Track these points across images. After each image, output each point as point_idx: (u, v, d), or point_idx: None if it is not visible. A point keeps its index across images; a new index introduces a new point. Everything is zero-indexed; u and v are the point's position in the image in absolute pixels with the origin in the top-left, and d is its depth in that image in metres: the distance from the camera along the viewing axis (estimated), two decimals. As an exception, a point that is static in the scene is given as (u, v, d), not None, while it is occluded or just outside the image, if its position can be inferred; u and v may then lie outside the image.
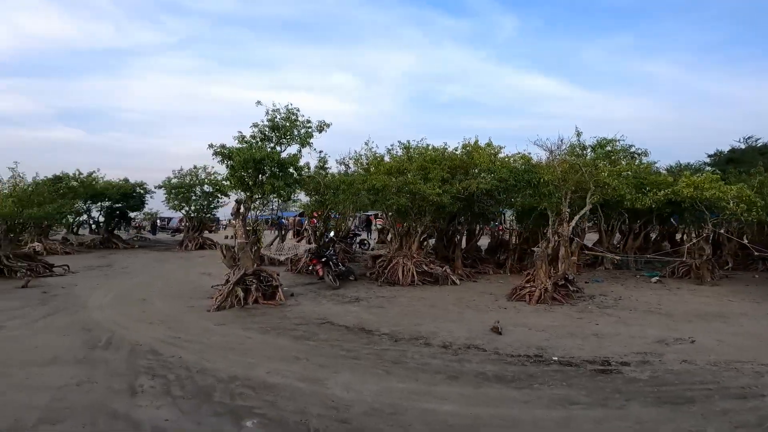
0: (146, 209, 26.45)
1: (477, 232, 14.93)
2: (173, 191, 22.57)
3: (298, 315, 8.51)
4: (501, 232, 16.67)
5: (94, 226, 25.21)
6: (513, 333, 7.22)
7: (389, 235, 13.50)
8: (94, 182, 21.96)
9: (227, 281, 9.31)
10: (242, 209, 9.19)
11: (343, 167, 14.00)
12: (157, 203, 26.46)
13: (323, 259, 11.08)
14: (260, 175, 9.22)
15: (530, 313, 8.64)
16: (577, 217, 10.27)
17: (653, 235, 16.99)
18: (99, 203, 23.51)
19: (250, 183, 9.16)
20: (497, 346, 6.53)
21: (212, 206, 23.90)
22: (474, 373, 5.50)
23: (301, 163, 10.01)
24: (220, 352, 6.22)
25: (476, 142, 13.14)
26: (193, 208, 23.36)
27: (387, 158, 12.99)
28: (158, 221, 35.88)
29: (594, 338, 6.97)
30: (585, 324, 7.84)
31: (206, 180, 23.49)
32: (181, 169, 23.60)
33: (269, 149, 9.53)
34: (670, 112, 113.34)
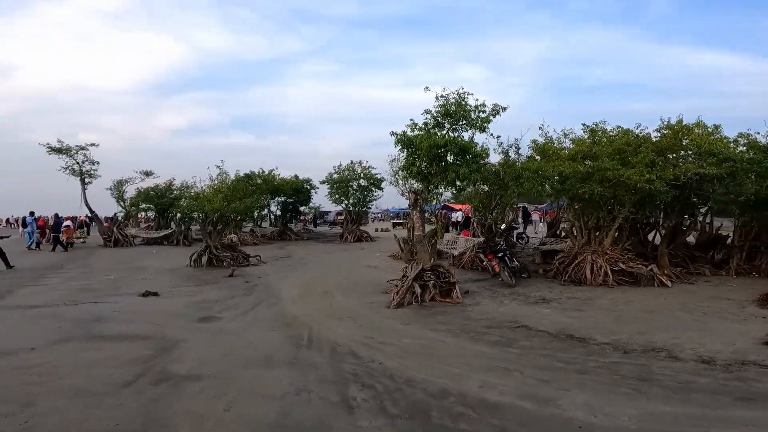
0: (311, 204, 28.84)
1: (689, 225, 12.04)
2: (335, 186, 23.97)
3: (482, 316, 7.62)
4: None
5: (272, 220, 28.49)
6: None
7: (569, 229, 11.66)
8: (272, 179, 24.59)
9: (404, 276, 8.89)
10: (419, 200, 8.61)
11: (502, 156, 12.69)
12: (319, 198, 28.69)
13: (499, 254, 9.95)
14: (439, 163, 8.52)
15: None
16: None
17: None
18: (276, 198, 26.26)
19: (432, 171, 8.53)
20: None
21: (368, 200, 24.73)
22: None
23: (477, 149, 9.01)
24: (417, 358, 5.64)
25: (680, 121, 10.63)
26: (351, 201, 24.48)
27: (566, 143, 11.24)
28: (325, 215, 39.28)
29: None
30: None
31: (361, 174, 24.39)
32: (340, 165, 24.96)
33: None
34: None
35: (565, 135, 11.58)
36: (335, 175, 24.46)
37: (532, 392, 4.46)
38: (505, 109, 9.20)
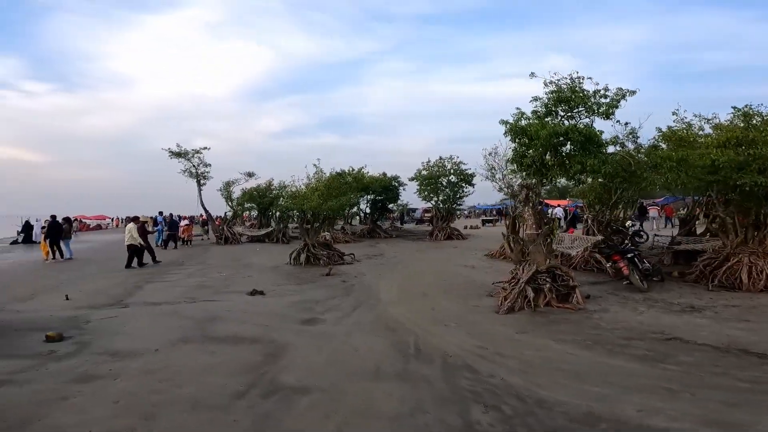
0: (399, 201, 28.56)
1: None
2: (424, 182, 23.36)
3: (615, 325, 6.46)
4: None
5: (362, 217, 28.81)
6: None
7: (719, 226, 9.69)
8: (362, 177, 24.73)
9: (514, 278, 7.95)
10: (531, 195, 7.60)
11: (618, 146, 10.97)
12: (407, 195, 28.34)
13: (628, 255, 8.50)
14: (556, 154, 7.46)
15: None
16: None
17: None
18: (365, 196, 26.41)
19: (549, 163, 7.50)
20: None
21: (458, 196, 23.72)
22: None
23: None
24: (547, 374, 4.78)
25: None
26: (441, 198, 23.68)
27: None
28: (411, 212, 39.02)
29: None
30: None
31: (451, 170, 23.45)
32: (429, 161, 24.28)
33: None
34: None
35: (707, 120, 9.71)
36: (424, 172, 23.84)
37: (719, 418, 3.56)
38: (633, 92, 7.93)
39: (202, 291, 9.29)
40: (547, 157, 7.81)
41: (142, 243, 13.72)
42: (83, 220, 45.38)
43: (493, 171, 15.28)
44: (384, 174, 26.95)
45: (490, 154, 14.80)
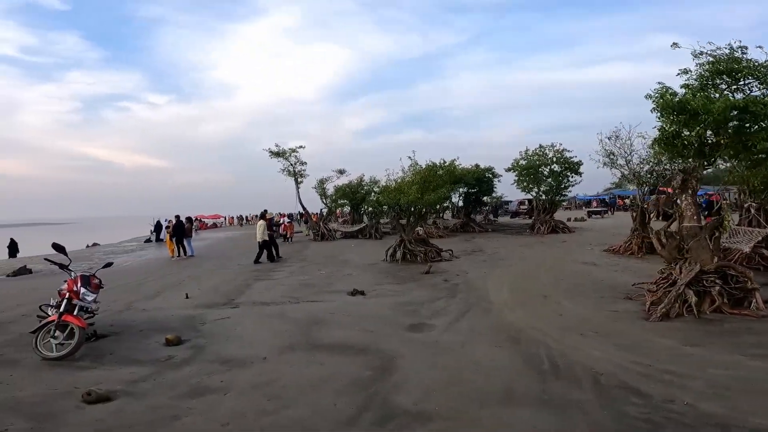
0: (494, 193, 26.77)
1: None
2: (523, 172, 21.48)
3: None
4: None
5: (454, 211, 27.62)
6: None
7: None
8: (454, 169, 23.58)
9: (665, 279, 6.41)
10: (692, 182, 5.98)
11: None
12: (502, 187, 26.48)
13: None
14: (725, 133, 5.83)
15: None
16: None
17: None
18: (458, 189, 25.19)
19: (721, 141, 5.88)
20: None
21: (562, 186, 21.41)
22: None
23: None
24: (753, 399, 3.55)
25: None
26: (542, 189, 21.59)
27: None
28: (504, 205, 36.78)
29: None
30: None
31: (554, 158, 21.23)
32: (527, 150, 22.29)
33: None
34: None
35: None
36: (522, 161, 21.92)
37: None
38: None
39: (304, 290, 9.13)
40: (709, 134, 6.13)
41: (268, 239, 14.32)
42: (202, 219, 50.59)
43: (613, 157, 13.22)
44: (477, 166, 25.43)
45: (609, 138, 12.78)
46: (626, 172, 13.30)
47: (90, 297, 5.58)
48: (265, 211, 16.41)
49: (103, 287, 6.66)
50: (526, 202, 38.07)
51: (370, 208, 25.53)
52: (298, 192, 23.73)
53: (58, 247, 6.05)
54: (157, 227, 28.60)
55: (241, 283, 10.16)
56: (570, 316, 6.65)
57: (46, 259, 5.97)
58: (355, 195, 24.94)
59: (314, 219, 25.64)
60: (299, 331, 6.15)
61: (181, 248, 17.21)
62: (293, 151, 22.89)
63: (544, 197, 21.80)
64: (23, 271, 14.01)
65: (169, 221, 17.66)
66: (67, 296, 5.40)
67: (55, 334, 5.18)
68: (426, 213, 13.66)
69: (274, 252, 14.79)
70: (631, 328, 5.90)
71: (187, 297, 8.63)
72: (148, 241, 28.41)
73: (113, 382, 4.34)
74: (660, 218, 16.65)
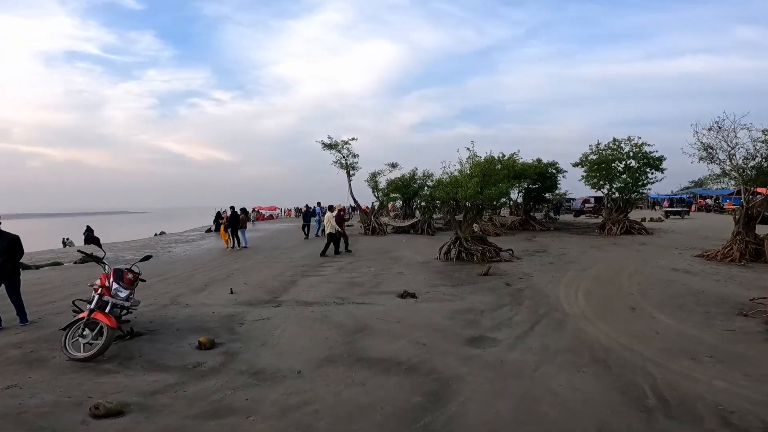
0: (557, 190, 24.72)
1: None
2: (593, 168, 19.45)
3: None
4: None
5: (513, 207, 25.87)
6: None
7: None
8: (514, 164, 21.97)
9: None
10: None
11: None
12: (566, 183, 24.35)
13: None
14: None
15: None
16: None
17: None
18: (518, 184, 23.49)
19: None
20: None
21: (640, 183, 19.12)
22: None
23: None
24: None
25: None
26: (616, 185, 19.44)
27: None
28: (565, 202, 34.19)
29: None
30: None
31: (630, 153, 19.00)
32: (599, 144, 20.18)
33: None
34: None
35: None
36: (593, 156, 19.87)
37: None
38: None
39: (351, 290, 8.44)
40: None
41: (339, 230, 14.06)
42: (260, 211, 52.29)
43: (711, 151, 11.27)
44: (538, 160, 23.56)
45: (710, 129, 10.88)
46: (728, 168, 11.28)
47: (123, 293, 5.22)
48: (331, 205, 16.15)
49: (143, 281, 6.38)
50: (592, 200, 35.16)
51: (423, 203, 24.63)
52: (350, 184, 23.33)
53: (91, 238, 5.80)
54: (217, 217, 29.56)
55: (288, 279, 9.70)
56: (670, 334, 5.38)
57: (79, 251, 5.73)
58: (407, 189, 24.11)
59: (366, 212, 25.10)
60: (342, 338, 5.44)
61: (235, 239, 17.36)
62: (345, 143, 22.48)
63: (617, 195, 19.65)
64: (89, 259, 14.64)
65: (224, 212, 17.80)
66: (99, 291, 5.07)
67: (84, 333, 4.85)
68: (484, 209, 12.46)
69: (343, 245, 14.54)
70: (759, 352, 4.59)
71: (231, 292, 8.28)
72: (209, 231, 29.42)
73: (131, 392, 3.86)
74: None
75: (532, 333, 5.69)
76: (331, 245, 14.06)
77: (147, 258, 6.30)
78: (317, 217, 23.11)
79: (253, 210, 49.18)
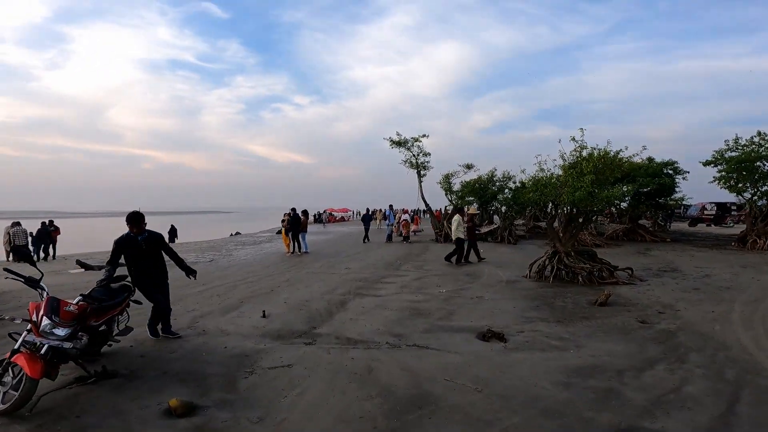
0: (676, 193, 20.12)
1: None
2: (733, 167, 15.16)
3: None
4: None
5: (614, 214, 21.77)
6: None
7: None
8: (618, 162, 18.13)
9: None
10: None
11: None
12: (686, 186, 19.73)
13: None
14: None
15: None
16: None
17: None
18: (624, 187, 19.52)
19: None
20: None
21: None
22: None
23: None
24: None
25: None
26: (763, 189, 14.97)
27: None
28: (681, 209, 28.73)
29: None
30: None
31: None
32: (737, 139, 15.77)
33: None
34: None
35: None
36: (730, 153, 15.56)
37: None
38: None
39: (413, 322, 6.26)
40: None
41: (468, 236, 12.38)
42: (332, 213, 52.18)
43: None
44: (649, 159, 19.36)
45: None
46: None
47: (61, 331, 3.57)
48: (461, 208, 14.22)
49: (138, 302, 4.84)
50: (710, 206, 29.12)
51: (504, 207, 21.67)
52: (421, 186, 21.14)
53: (22, 254, 4.31)
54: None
55: (337, 299, 7.79)
56: None
57: (5, 269, 4.23)
58: (485, 191, 21.32)
59: (437, 217, 22.74)
60: (386, 420, 3.29)
61: (295, 243, 16.10)
62: (416, 140, 20.32)
63: (763, 201, 15.14)
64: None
65: (287, 214, 16.58)
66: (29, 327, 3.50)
67: (3, 379, 3.32)
68: (596, 215, 9.54)
69: (475, 253, 12.62)
70: None
71: (264, 315, 6.55)
72: (279, 232, 29.19)
73: None
74: None
75: (739, 424, 3.08)
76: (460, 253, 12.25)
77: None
78: (390, 220, 21.46)
79: (325, 212, 49.13)
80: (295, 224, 16.14)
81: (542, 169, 9.65)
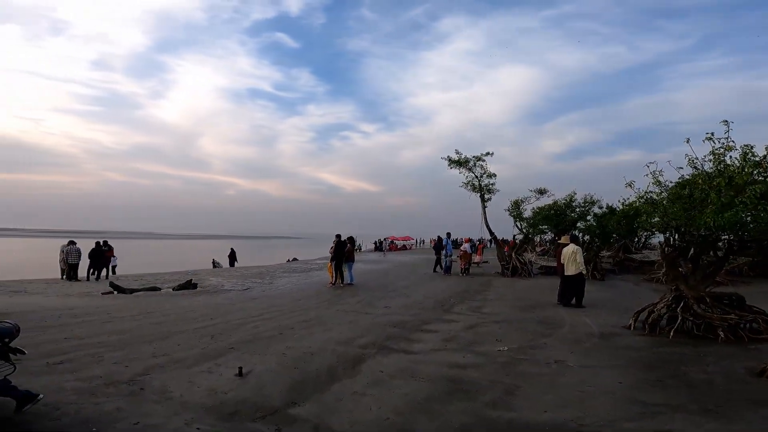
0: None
1: None
2: None
3: None
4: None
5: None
6: None
7: None
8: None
9: None
10: None
11: None
12: None
13: None
14: None
15: None
16: None
17: None
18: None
19: None
20: None
21: None
22: None
23: None
24: None
25: None
26: None
27: None
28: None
29: None
30: None
31: None
32: None
33: None
34: None
35: None
36: None
37: None
38: None
39: (448, 406, 3.96)
40: None
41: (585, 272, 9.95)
42: (393, 241, 50.39)
43: None
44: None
45: None
46: None
47: None
48: (576, 236, 11.78)
49: (22, 352, 3.26)
50: None
51: (587, 236, 18.31)
52: (484, 212, 18.52)
53: None
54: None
55: (354, 353, 5.67)
56: None
57: None
58: (561, 218, 18.17)
59: (504, 248, 19.82)
60: None
61: (338, 274, 14.34)
62: (478, 159, 17.92)
63: None
64: (187, 285, 13.31)
65: (335, 242, 14.89)
66: None
67: None
68: (752, 247, 6.58)
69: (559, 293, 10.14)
70: None
71: (240, 374, 4.66)
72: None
73: None
74: None
75: None
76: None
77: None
78: (447, 251, 18.90)
79: (386, 239, 47.53)
80: (339, 253, 14.42)
81: (658, 182, 6.86)
